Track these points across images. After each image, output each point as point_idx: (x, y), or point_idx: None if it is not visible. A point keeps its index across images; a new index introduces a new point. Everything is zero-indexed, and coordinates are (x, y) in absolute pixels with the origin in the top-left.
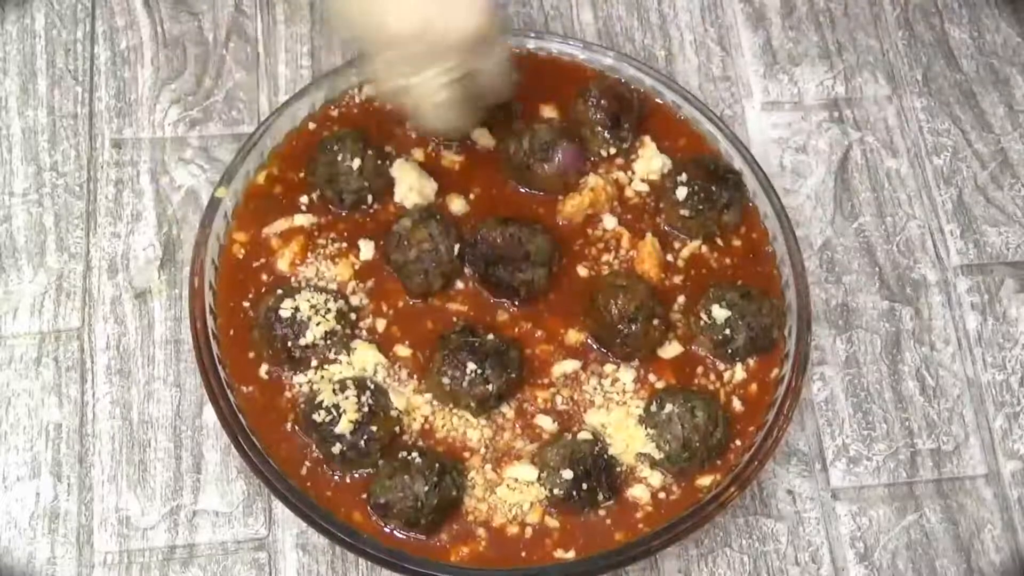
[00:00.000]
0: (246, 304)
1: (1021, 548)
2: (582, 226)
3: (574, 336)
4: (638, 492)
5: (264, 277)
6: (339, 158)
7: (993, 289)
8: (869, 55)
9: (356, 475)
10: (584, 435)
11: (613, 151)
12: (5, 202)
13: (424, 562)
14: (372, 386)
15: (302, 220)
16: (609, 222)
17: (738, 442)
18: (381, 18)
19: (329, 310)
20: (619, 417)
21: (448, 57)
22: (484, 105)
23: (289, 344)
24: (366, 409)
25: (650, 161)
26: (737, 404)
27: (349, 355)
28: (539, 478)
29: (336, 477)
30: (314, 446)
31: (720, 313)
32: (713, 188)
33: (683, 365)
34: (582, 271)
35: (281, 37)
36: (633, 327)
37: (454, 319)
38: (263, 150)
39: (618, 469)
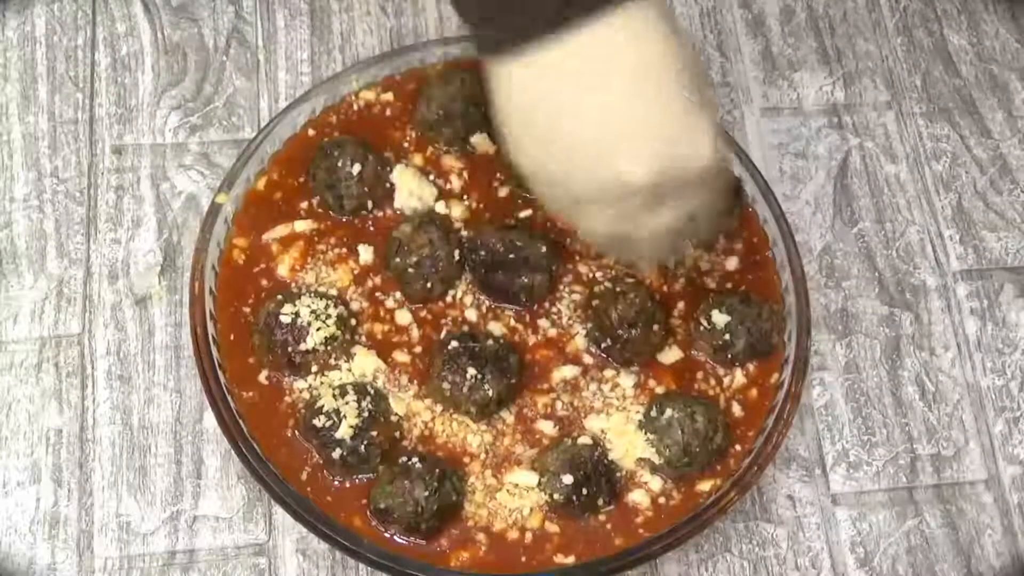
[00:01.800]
0: (246, 310)
1: (1021, 553)
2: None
3: (574, 341)
4: (638, 497)
5: (264, 282)
6: (339, 164)
7: (992, 294)
8: (868, 61)
9: (356, 480)
10: (584, 440)
11: None
12: (6, 208)
13: (424, 567)
14: (372, 391)
15: (302, 226)
16: None
17: (738, 447)
18: (611, 170)
19: (329, 315)
20: (619, 422)
21: (676, 197)
22: (706, 236)
23: (289, 349)
24: (366, 414)
25: None
26: (737, 409)
27: (349, 360)
28: (539, 483)
29: (336, 482)
30: (314, 451)
31: (720, 318)
32: None
33: (683, 370)
34: (582, 276)
35: (281, 43)
36: (633, 332)
37: (454, 324)
38: (263, 156)
39: (618, 474)
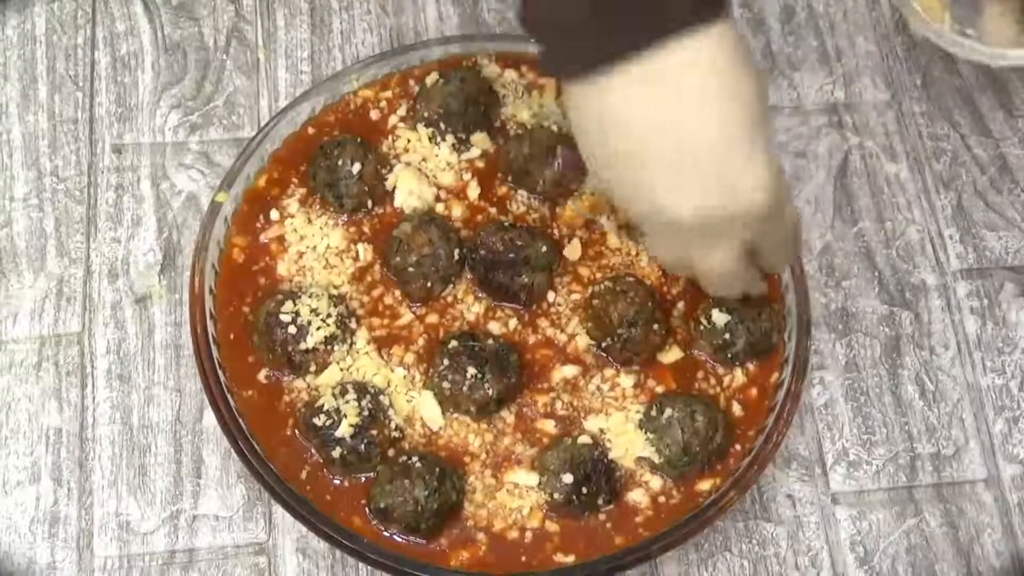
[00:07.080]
0: (246, 309)
1: (1021, 553)
2: (582, 230)
3: (574, 341)
4: (638, 496)
5: (264, 281)
6: (339, 163)
7: (992, 294)
8: (868, 60)
9: (356, 479)
10: (584, 439)
11: None
12: (6, 207)
13: (424, 566)
14: (372, 390)
15: (302, 225)
16: (609, 226)
17: (738, 446)
18: (656, 201)
19: (329, 315)
20: (619, 421)
21: (730, 235)
22: (772, 268)
23: (289, 348)
24: (366, 413)
25: None
26: (737, 408)
27: (349, 359)
28: (539, 483)
29: (336, 481)
30: (314, 450)
31: (720, 317)
32: None
33: (683, 369)
34: (582, 275)
35: (281, 42)
36: (633, 331)
37: (454, 324)
38: (263, 155)
39: (618, 473)
